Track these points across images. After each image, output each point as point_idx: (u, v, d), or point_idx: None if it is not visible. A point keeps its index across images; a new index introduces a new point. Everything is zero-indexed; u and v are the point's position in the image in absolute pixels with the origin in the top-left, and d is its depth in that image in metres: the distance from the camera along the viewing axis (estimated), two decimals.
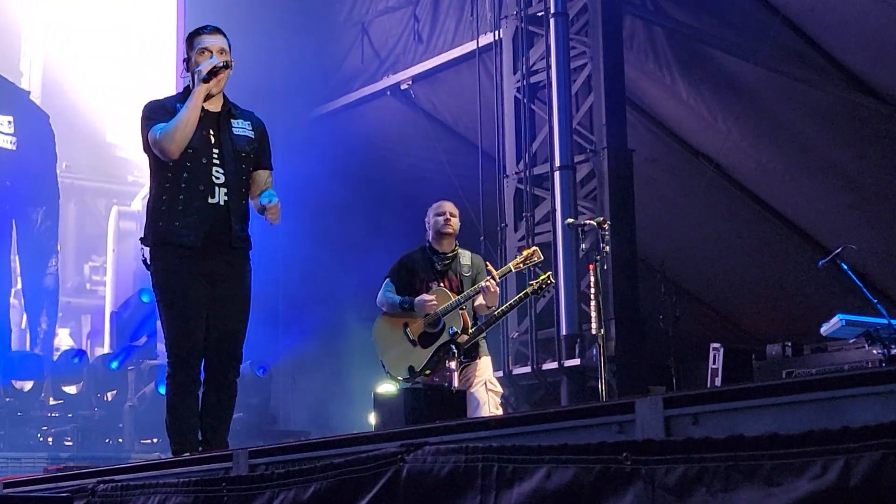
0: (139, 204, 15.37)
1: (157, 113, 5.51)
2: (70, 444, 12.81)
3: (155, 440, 12.52)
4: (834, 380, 2.50)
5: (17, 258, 14.88)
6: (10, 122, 14.69)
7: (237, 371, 5.68)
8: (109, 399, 13.47)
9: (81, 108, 15.90)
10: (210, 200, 5.44)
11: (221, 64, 5.46)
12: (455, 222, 7.44)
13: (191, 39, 5.63)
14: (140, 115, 5.58)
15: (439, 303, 7.21)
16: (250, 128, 5.68)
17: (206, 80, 5.43)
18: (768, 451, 2.38)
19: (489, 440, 3.06)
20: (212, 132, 5.53)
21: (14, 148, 14.74)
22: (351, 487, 3.27)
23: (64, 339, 16.16)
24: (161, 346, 12.92)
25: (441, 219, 7.40)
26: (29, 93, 15.28)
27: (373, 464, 3.20)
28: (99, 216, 17.34)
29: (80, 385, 13.47)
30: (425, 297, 7.20)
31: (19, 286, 15.08)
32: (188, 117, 5.39)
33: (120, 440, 12.92)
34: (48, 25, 15.65)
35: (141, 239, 5.63)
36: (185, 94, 5.59)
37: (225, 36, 5.64)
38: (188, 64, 5.60)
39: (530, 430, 3.07)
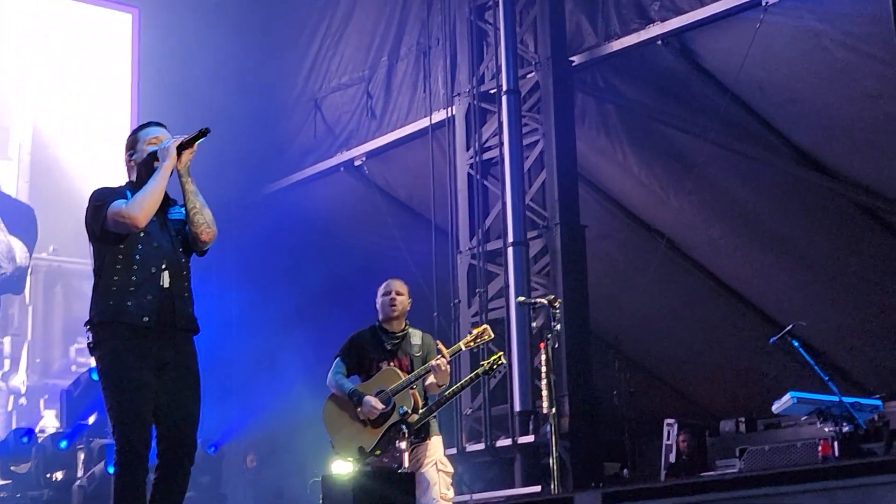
0: None
1: (110, 194, 5.50)
2: None
3: None
4: (776, 476, 2.47)
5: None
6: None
7: (192, 459, 5.52)
8: (59, 479, 13.23)
9: (67, 191, 15.77)
10: (160, 283, 5.43)
11: (196, 133, 5.46)
12: (402, 301, 7.38)
13: (137, 133, 5.67)
14: (89, 201, 5.54)
15: (389, 382, 7.16)
16: (185, 213, 5.65)
17: (188, 146, 5.44)
18: None
19: None
20: (156, 216, 5.50)
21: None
22: None
23: (49, 421, 15.95)
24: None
25: (387, 299, 7.37)
26: (9, 196, 15.26)
27: None
28: (85, 298, 17.09)
29: (29, 464, 13.24)
30: (373, 401, 7.10)
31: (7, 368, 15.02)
32: (157, 187, 5.41)
33: None
34: (35, 109, 15.56)
35: (86, 322, 5.55)
36: (132, 184, 5.56)
37: None
38: (134, 155, 5.59)
39: None
